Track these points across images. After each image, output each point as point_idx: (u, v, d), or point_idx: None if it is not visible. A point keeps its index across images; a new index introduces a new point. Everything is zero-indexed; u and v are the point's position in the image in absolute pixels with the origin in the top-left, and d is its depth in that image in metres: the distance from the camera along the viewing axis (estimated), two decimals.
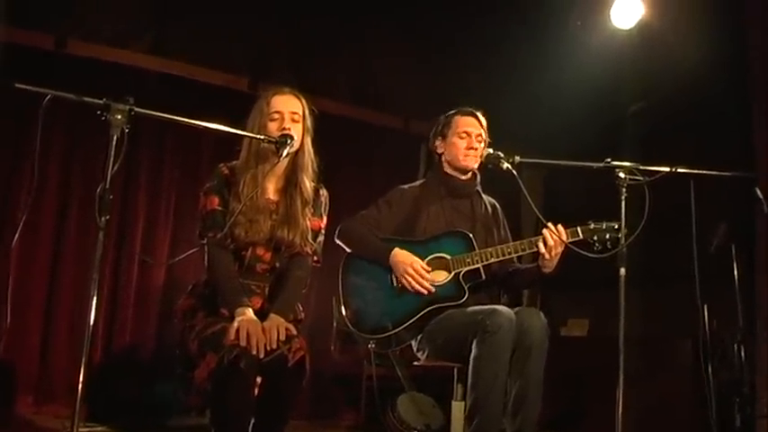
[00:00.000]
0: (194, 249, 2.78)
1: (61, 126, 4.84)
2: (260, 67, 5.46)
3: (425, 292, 3.22)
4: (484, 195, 3.61)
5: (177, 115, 2.86)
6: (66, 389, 4.66)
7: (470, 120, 3.48)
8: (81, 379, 2.33)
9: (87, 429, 4.20)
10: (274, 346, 2.54)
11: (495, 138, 5.58)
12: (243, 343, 2.50)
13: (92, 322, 2.34)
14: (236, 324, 2.56)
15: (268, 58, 5.50)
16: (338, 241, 3.46)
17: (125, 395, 4.62)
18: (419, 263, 3.27)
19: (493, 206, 3.61)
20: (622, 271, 3.01)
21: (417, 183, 3.61)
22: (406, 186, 3.59)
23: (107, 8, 4.97)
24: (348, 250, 3.45)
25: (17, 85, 2.37)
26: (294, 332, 2.64)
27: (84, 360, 2.32)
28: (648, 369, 4.82)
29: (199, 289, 2.92)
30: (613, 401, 4.95)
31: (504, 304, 5.34)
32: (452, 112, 3.55)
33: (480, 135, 3.44)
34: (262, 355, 2.51)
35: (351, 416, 5.39)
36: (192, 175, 5.23)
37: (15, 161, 4.73)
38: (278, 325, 2.60)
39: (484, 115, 3.53)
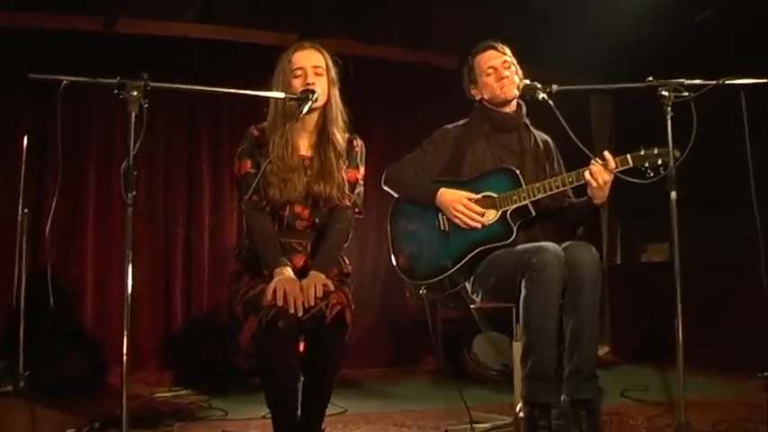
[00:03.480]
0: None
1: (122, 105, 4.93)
2: (309, 21, 5.41)
3: (478, 226, 3.18)
4: (534, 130, 3.49)
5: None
6: (152, 356, 4.86)
7: (489, 53, 3.39)
8: (125, 350, 2.37)
9: (172, 393, 4.37)
10: (312, 304, 2.54)
11: (557, 65, 5.42)
12: (280, 303, 2.51)
13: (129, 293, 2.38)
14: (273, 284, 2.57)
15: (316, 12, 5.45)
16: (385, 187, 3.45)
17: (207, 358, 4.77)
18: (467, 199, 3.22)
19: (544, 141, 3.49)
20: (673, 195, 2.84)
21: (461, 122, 3.53)
22: (450, 126, 3.53)
23: None
24: (396, 196, 3.44)
25: (30, 75, 2.39)
26: (331, 288, 2.62)
27: (125, 332, 2.37)
28: (724, 292, 4.65)
29: (244, 253, 2.94)
30: (697, 326, 4.82)
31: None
32: (470, 55, 3.47)
33: (506, 61, 3.36)
34: (300, 314, 2.52)
35: (431, 359, 5.40)
36: None
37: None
38: (316, 282, 2.60)
39: (505, 44, 3.45)
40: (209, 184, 5.21)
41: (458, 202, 3.21)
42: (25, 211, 4.11)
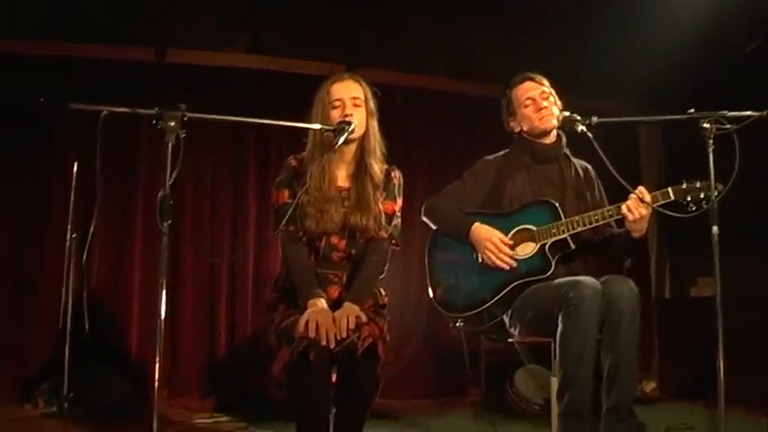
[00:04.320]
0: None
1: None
2: (355, 51, 5.47)
3: (506, 267, 3.14)
4: (573, 159, 3.46)
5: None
6: (195, 383, 4.89)
7: (527, 84, 3.38)
8: (156, 377, 2.40)
9: (213, 420, 4.38)
10: (344, 335, 2.53)
11: (602, 94, 5.37)
12: (312, 334, 2.51)
13: (162, 319, 2.42)
14: (306, 316, 2.58)
15: (362, 42, 5.50)
16: (424, 218, 3.46)
17: (249, 385, 4.78)
18: (499, 236, 3.19)
19: (584, 169, 3.46)
20: (715, 230, 2.79)
21: (501, 153, 3.51)
22: (490, 157, 3.52)
23: (202, 15, 5.12)
24: (434, 227, 3.43)
25: (71, 106, 2.45)
26: (364, 320, 2.61)
27: (158, 358, 2.41)
28: None
29: (280, 282, 2.95)
30: (748, 364, 4.66)
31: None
32: (508, 88, 3.47)
33: (543, 92, 3.35)
34: (332, 345, 2.51)
35: (475, 391, 5.33)
36: None
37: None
38: (348, 314, 2.59)
39: (543, 74, 3.44)
40: (255, 212, 5.25)
41: (489, 240, 3.19)
42: (74, 236, 4.19)
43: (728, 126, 2.81)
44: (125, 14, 4.90)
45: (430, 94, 5.75)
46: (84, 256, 3.18)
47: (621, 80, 5.51)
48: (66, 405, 4.15)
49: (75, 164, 4.31)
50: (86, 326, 2.92)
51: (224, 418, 4.42)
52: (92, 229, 2.65)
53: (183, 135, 2.50)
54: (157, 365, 2.40)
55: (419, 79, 5.69)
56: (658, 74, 5.38)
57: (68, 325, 4.16)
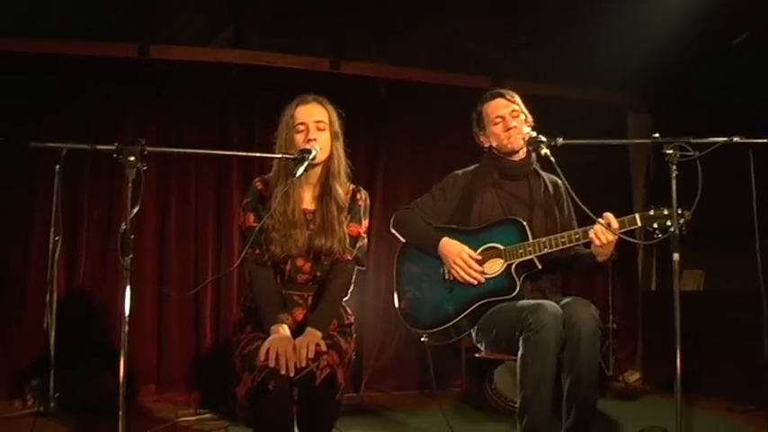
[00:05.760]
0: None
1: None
2: (340, 45, 5.45)
3: (474, 282, 3.18)
4: (543, 174, 3.47)
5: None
6: (182, 377, 4.96)
7: (498, 102, 3.39)
8: (122, 372, 2.53)
9: (197, 418, 4.43)
10: (303, 365, 2.58)
11: (591, 83, 5.31)
12: (272, 364, 2.56)
13: (126, 346, 2.56)
14: (266, 344, 2.62)
15: (347, 36, 5.47)
16: (393, 230, 3.48)
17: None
18: (468, 252, 3.22)
19: (554, 184, 3.47)
20: (676, 257, 2.83)
21: (471, 168, 3.53)
22: (459, 172, 3.53)
23: (185, 11, 5.08)
24: (402, 240, 3.46)
25: (31, 145, 2.48)
26: (324, 348, 2.66)
27: (123, 358, 2.55)
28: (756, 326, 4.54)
29: (248, 302, 3.00)
30: (733, 359, 4.68)
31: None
32: (480, 102, 3.47)
33: (514, 110, 3.35)
34: (292, 374, 2.56)
35: (459, 383, 5.39)
36: None
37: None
38: (309, 341, 2.64)
39: (514, 89, 3.46)
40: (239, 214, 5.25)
41: (458, 256, 3.22)
42: (56, 239, 4.22)
43: (692, 153, 2.81)
44: (108, 11, 4.88)
45: (416, 86, 5.71)
46: (52, 264, 3.23)
47: (611, 69, 5.46)
48: (51, 405, 4.23)
49: (57, 166, 4.33)
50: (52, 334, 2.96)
51: (208, 415, 4.47)
52: (60, 241, 2.70)
53: (144, 168, 2.52)
54: (121, 373, 2.49)
55: (405, 72, 5.64)
56: (648, 63, 5.33)
57: (54, 325, 4.21)
